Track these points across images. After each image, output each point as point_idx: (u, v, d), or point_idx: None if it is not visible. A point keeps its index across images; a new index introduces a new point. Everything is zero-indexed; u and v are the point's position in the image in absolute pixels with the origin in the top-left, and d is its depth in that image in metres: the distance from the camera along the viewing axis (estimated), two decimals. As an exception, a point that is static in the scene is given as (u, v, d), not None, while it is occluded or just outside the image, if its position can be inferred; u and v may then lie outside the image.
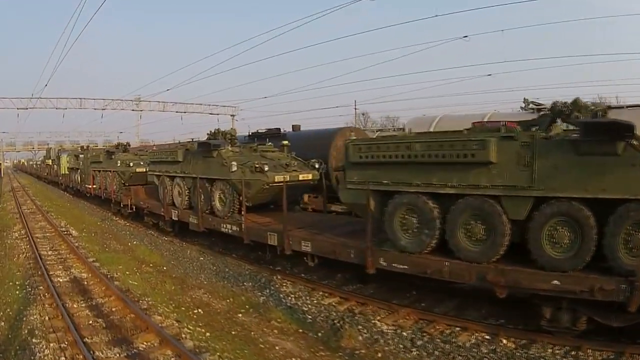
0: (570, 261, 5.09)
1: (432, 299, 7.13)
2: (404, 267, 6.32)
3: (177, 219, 11.76)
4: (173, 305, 7.14)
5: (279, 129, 13.82)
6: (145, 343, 5.60)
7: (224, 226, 9.63)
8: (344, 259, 7.07)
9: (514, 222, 5.52)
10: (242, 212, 9.08)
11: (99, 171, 19.34)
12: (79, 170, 23.53)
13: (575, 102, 5.91)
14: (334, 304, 7.23)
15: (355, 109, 40.26)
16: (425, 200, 6.10)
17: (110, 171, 17.85)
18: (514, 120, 6.46)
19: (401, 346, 5.70)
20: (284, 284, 8.24)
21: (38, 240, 12.51)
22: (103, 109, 39.94)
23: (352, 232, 7.84)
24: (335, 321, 6.52)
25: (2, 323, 6.42)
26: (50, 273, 8.88)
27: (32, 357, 5.23)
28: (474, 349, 5.50)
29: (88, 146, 28.29)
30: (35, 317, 6.52)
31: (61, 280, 8.57)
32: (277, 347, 5.64)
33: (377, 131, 17.08)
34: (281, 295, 7.67)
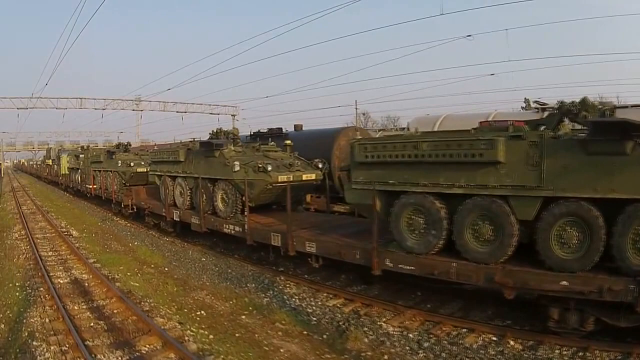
0: (578, 262, 5.05)
1: (437, 300, 7.07)
2: (410, 268, 6.24)
3: (178, 219, 11.67)
4: (175, 307, 7.05)
5: (281, 128, 13.73)
6: (147, 346, 5.52)
7: (227, 227, 9.53)
8: (349, 260, 6.98)
9: (522, 223, 5.46)
10: (245, 213, 8.98)
11: (100, 171, 19.26)
12: (79, 170, 23.45)
13: (584, 101, 5.86)
14: (338, 305, 7.14)
15: (356, 108, 40.18)
16: (433, 200, 6.03)
17: (111, 171, 17.78)
18: (521, 120, 6.43)
19: (408, 348, 5.64)
20: (288, 285, 8.15)
21: (38, 240, 12.42)
22: (103, 109, 39.88)
23: (356, 233, 7.75)
24: (340, 323, 6.44)
25: (2, 325, 6.33)
26: (51, 274, 8.79)
27: (33, 361, 5.15)
28: (481, 351, 5.44)
29: (88, 146, 28.13)
30: (35, 319, 6.44)
31: (62, 281, 8.48)
32: (282, 350, 5.56)
33: (379, 131, 16.99)
34: (285, 297, 7.58)
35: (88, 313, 6.74)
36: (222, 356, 5.26)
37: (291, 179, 8.97)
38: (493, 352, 5.38)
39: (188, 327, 6.14)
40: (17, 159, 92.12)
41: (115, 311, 6.76)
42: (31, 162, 69.89)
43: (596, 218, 4.90)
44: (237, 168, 9.13)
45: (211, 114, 44.21)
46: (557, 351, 5.24)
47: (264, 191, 9.16)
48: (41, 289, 7.90)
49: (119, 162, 17.20)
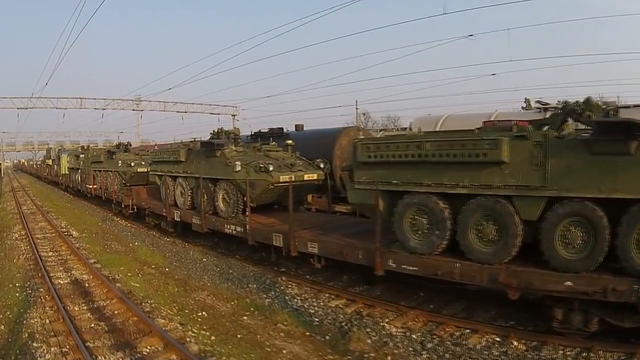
0: (583, 262, 5.04)
1: (440, 300, 7.04)
2: (413, 268, 6.21)
3: (179, 219, 11.62)
4: (176, 307, 7.00)
5: (282, 128, 13.68)
6: (149, 347, 5.47)
7: (228, 227, 9.48)
8: (352, 260, 6.94)
9: (526, 223, 5.44)
10: (247, 213, 8.93)
11: (100, 171, 19.22)
12: (79, 170, 23.41)
13: (588, 101, 5.86)
14: (341, 306, 7.10)
15: (357, 108, 40.14)
16: (436, 200, 6.00)
17: (111, 171, 17.75)
18: (525, 120, 6.40)
19: (411, 349, 5.61)
20: (289, 286, 8.10)
21: (38, 241, 12.37)
22: (103, 109, 39.86)
23: (358, 233, 7.71)
24: (342, 324, 6.40)
25: (2, 326, 6.28)
26: (51, 275, 8.75)
27: (33, 362, 5.11)
28: (484, 352, 5.42)
29: (89, 146, 28.10)
30: (35, 320, 6.39)
31: (62, 282, 8.43)
32: (284, 351, 5.52)
33: (380, 131, 16.94)
34: (287, 298, 7.53)
35: (89, 314, 6.69)
36: (224, 358, 5.22)
37: (293, 179, 8.92)
38: (497, 353, 5.36)
39: (189, 328, 6.09)
40: (17, 159, 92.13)
41: (116, 312, 6.72)
42: (31, 162, 69.82)
43: (600, 218, 4.89)
44: (238, 168, 9.08)
45: (211, 113, 44.21)
46: (560, 352, 5.22)
47: (266, 191, 9.11)
48: (41, 289, 7.86)
49: (120, 162, 17.17)
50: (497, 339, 5.66)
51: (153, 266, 9.74)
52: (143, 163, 16.49)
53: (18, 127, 77.84)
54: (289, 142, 10.79)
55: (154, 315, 6.51)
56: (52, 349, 5.41)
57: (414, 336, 5.91)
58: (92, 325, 6.24)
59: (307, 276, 8.59)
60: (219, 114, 44.41)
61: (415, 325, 6.20)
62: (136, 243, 12.41)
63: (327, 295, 7.56)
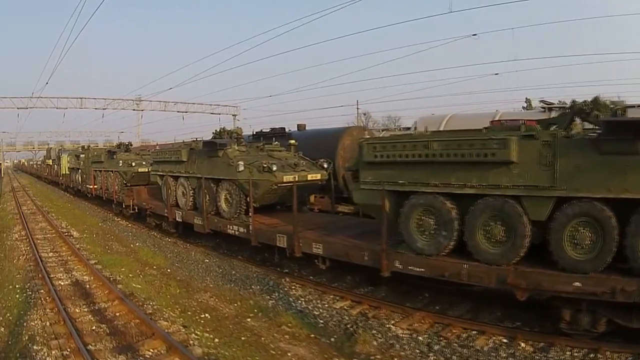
0: (591, 262, 5.01)
1: (445, 301, 6.97)
2: (420, 269, 6.13)
3: (181, 220, 11.53)
4: (179, 309, 6.91)
5: (284, 128, 13.59)
6: (151, 350, 5.38)
7: (231, 228, 9.39)
8: (357, 261, 6.86)
9: (534, 223, 5.39)
10: (250, 213, 8.83)
11: (101, 171, 19.14)
12: (79, 170, 23.33)
13: (596, 101, 5.82)
14: (345, 307, 7.02)
15: (357, 108, 40.04)
16: (443, 200, 5.93)
17: (111, 171, 17.67)
18: (533, 119, 6.35)
19: (418, 351, 5.55)
20: (293, 287, 8.01)
21: (38, 241, 12.28)
22: (104, 109, 39.85)
23: (363, 234, 7.63)
24: (348, 325, 6.33)
25: (2, 329, 6.18)
26: (51, 276, 8.65)
27: (34, 366, 5.02)
28: (492, 353, 5.38)
29: (89, 146, 28.00)
30: (36, 322, 6.30)
31: (62, 283, 8.34)
32: (289, 354, 5.44)
33: (382, 131, 16.85)
34: (291, 299, 7.44)
35: (90, 316, 6.59)
36: (228, 361, 5.14)
37: (296, 179, 8.83)
38: (504, 355, 5.32)
39: (192, 330, 6.00)
40: (17, 159, 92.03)
41: (117, 314, 6.62)
42: (31, 162, 69.71)
43: (609, 218, 4.86)
44: (241, 168, 8.98)
45: (212, 113, 44.17)
46: (568, 353, 5.20)
47: (269, 191, 9.02)
48: (42, 291, 7.77)
49: (120, 162, 17.09)
50: (505, 341, 5.62)
51: (154, 267, 9.65)
52: (144, 163, 16.41)
53: (18, 127, 77.77)
54: (292, 141, 10.70)
55: (156, 317, 6.42)
56: (53, 352, 5.32)
57: (420, 338, 5.86)
58: (94, 327, 6.15)
59: (311, 277, 8.51)
60: (219, 114, 44.42)
61: (422, 327, 6.14)
62: (137, 244, 12.32)
63: (331, 296, 7.48)
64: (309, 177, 9.37)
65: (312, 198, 11.40)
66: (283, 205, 10.29)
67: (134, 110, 43.34)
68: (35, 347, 5.44)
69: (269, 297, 7.59)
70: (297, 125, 13.97)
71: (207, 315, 6.68)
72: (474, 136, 5.72)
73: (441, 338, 5.81)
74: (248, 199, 8.99)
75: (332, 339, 5.89)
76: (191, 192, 11.05)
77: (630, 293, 4.68)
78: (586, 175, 4.94)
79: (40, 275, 8.67)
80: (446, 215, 5.90)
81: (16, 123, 55.59)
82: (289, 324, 6.31)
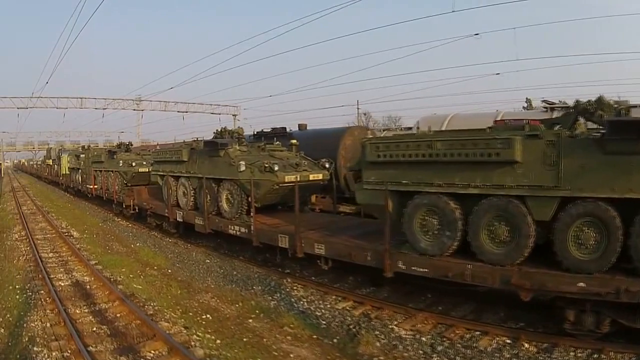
0: (595, 263, 5.00)
1: (448, 302, 6.94)
2: (424, 270, 6.09)
3: (182, 220, 11.47)
4: (180, 310, 6.86)
5: (285, 128, 13.53)
6: (152, 352, 5.33)
7: (232, 228, 9.34)
8: (360, 262, 6.81)
9: (539, 223, 5.36)
10: (251, 214, 8.78)
11: (101, 171, 19.09)
12: (80, 170, 23.28)
13: (600, 100, 5.80)
14: (348, 308, 6.97)
15: (358, 108, 39.96)
16: (447, 200, 5.90)
17: (112, 171, 17.63)
18: (536, 119, 6.33)
19: (421, 352, 5.52)
20: (295, 288, 7.96)
21: (38, 242, 12.23)
22: (104, 109, 39.78)
23: (365, 234, 7.58)
24: (350, 326, 6.29)
25: (2, 330, 6.14)
26: (52, 276, 8.60)
27: (34, 367, 4.97)
28: (496, 354, 5.36)
29: (89, 146, 27.94)
30: (36, 323, 6.25)
31: (63, 284, 8.29)
32: (291, 355, 5.41)
33: (383, 130, 16.80)
34: (292, 300, 7.40)
35: (90, 317, 6.54)
36: (230, 362, 5.09)
37: (298, 179, 8.77)
38: (508, 355, 5.30)
39: (194, 331, 5.95)
40: (17, 159, 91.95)
41: (118, 315, 6.57)
42: (31, 162, 69.63)
43: (613, 218, 4.85)
44: (242, 168, 8.93)
45: (212, 113, 44.11)
46: (572, 353, 5.19)
47: (270, 191, 8.96)
48: (42, 291, 7.71)
49: (121, 162, 17.04)
50: (508, 341, 5.60)
51: (155, 267, 9.61)
52: (144, 163, 16.36)
53: (18, 127, 77.67)
54: (294, 141, 10.64)
55: (157, 318, 6.37)
56: (54, 354, 5.27)
57: (423, 339, 5.83)
58: (94, 328, 6.10)
59: (313, 278, 8.46)
60: (219, 114, 44.35)
61: (425, 328, 6.11)
62: (138, 244, 12.28)
63: (333, 297, 7.43)
64: (311, 177, 9.32)
65: (313, 198, 11.34)
66: (284, 205, 10.24)
67: (134, 110, 43.31)
68: (35, 348, 5.39)
69: (270, 297, 7.54)
70: (298, 125, 13.92)
71: (208, 316, 6.64)
72: (478, 136, 5.68)
73: (444, 339, 5.78)
74: (249, 199, 8.93)
75: (335, 340, 5.85)
76: (192, 192, 11.00)
77: (634, 293, 4.67)
78: (590, 175, 4.92)
79: (40, 276, 8.62)
80: (450, 215, 5.87)
81: (16, 123, 55.61)
82: (291, 325, 6.27)
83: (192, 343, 5.54)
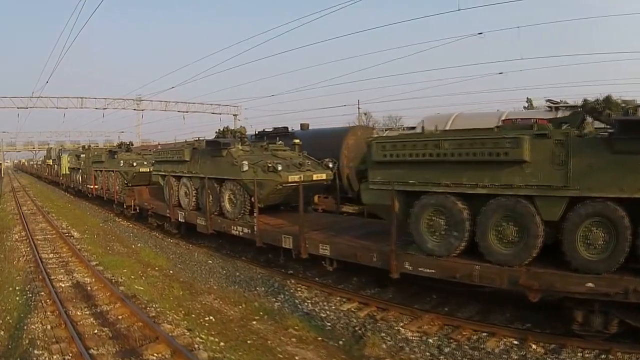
0: (604, 263, 4.95)
1: (454, 303, 6.88)
2: (431, 271, 6.00)
3: (183, 220, 11.38)
4: (183, 312, 6.77)
5: (287, 127, 13.44)
6: (155, 354, 5.24)
7: (235, 228, 9.24)
8: (365, 263, 6.72)
9: (547, 224, 5.30)
10: (255, 214, 8.68)
11: (101, 171, 19.01)
12: (80, 171, 23.20)
13: (608, 99, 5.76)
14: (353, 309, 6.89)
15: (359, 108, 39.84)
16: (455, 200, 5.82)
17: (112, 171, 17.54)
18: (544, 118, 6.27)
19: (428, 354, 5.46)
20: (299, 289, 7.87)
21: (39, 242, 12.14)
22: (104, 109, 39.71)
23: (369, 234, 7.49)
24: (356, 328, 6.21)
25: (2, 332, 6.05)
26: (52, 277, 8.52)
27: (35, 370, 4.89)
28: (504, 355, 5.31)
29: (89, 146, 27.84)
30: (36, 325, 6.16)
31: (63, 285, 8.20)
32: (297, 357, 5.35)
33: (385, 130, 16.73)
34: (297, 301, 7.31)
35: (91, 319, 6.45)
36: (234, 365, 5.01)
37: (302, 179, 8.67)
38: (516, 357, 5.26)
39: (197, 333, 5.86)
40: (18, 159, 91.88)
41: (120, 317, 6.48)
42: (31, 162, 69.56)
43: (622, 218, 4.80)
44: (245, 168, 8.83)
45: (213, 113, 44.04)
46: (579, 354, 5.15)
47: (274, 192, 8.87)
48: (42, 293, 7.63)
49: (121, 161, 16.97)
50: (515, 342, 5.55)
51: (157, 268, 9.52)
52: (145, 163, 16.29)
53: (18, 127, 77.49)
54: (297, 141, 10.54)
55: (160, 321, 6.28)
56: (54, 357, 5.20)
57: (430, 340, 5.76)
58: (96, 331, 6.01)
59: (317, 279, 8.38)
60: (220, 114, 44.27)
61: (431, 329, 6.04)
62: (139, 244, 12.19)
63: (338, 298, 7.35)
64: (315, 177, 9.22)
65: (315, 198, 11.25)
66: (287, 205, 10.15)
67: (134, 110, 43.23)
68: (36, 351, 5.31)
69: (274, 299, 7.45)
70: (300, 124, 13.84)
71: (211, 317, 6.55)
72: (486, 135, 5.60)
73: (451, 340, 5.72)
74: (252, 199, 8.84)
75: (340, 342, 5.78)
76: (194, 192, 10.90)
77: (642, 293, 4.60)
78: (599, 174, 4.87)
79: (40, 277, 8.54)
80: (457, 215, 5.79)
81: (16, 123, 55.44)
82: (296, 327, 6.18)
83: (196, 345, 5.45)
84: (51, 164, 36.97)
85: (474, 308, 6.64)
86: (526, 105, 14.28)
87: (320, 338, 5.88)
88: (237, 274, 8.97)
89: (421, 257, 6.12)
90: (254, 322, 6.39)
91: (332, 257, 7.25)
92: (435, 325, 6.14)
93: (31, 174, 60.70)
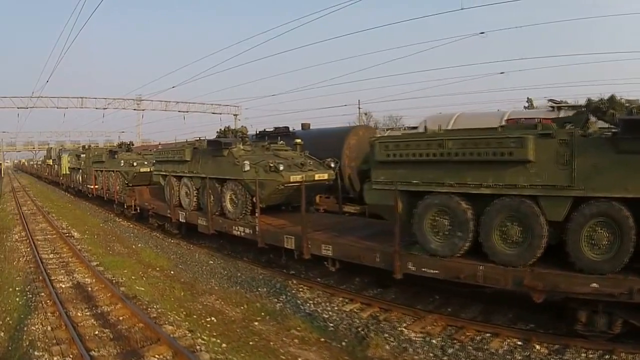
0: (608, 263, 4.93)
1: (456, 303, 6.85)
2: (434, 271, 5.96)
3: (184, 221, 11.33)
4: (184, 313, 6.72)
5: (287, 127, 13.38)
6: (157, 356, 5.18)
7: (236, 229, 9.18)
8: (368, 263, 6.67)
9: (551, 224, 5.27)
10: (256, 214, 8.63)
11: (102, 171, 18.96)
12: (80, 170, 23.15)
13: (612, 99, 5.73)
14: (355, 310, 6.84)
15: (359, 108, 39.79)
16: (459, 201, 5.77)
17: (113, 171, 17.49)
18: (548, 118, 6.24)
19: (432, 355, 5.42)
20: (301, 289, 7.82)
21: (39, 242, 12.09)
22: (104, 109, 39.65)
23: (372, 235, 7.45)
24: (359, 329, 6.16)
25: (2, 333, 6.00)
26: (52, 278, 8.46)
27: (35, 373, 4.84)
28: (507, 356, 5.30)
29: (89, 146, 27.78)
30: (36, 326, 6.10)
31: (64, 286, 8.14)
32: (299, 359, 5.30)
33: (387, 130, 16.67)
34: (299, 302, 7.26)
35: (92, 320, 6.40)
36: (237, 367, 4.96)
37: (304, 179, 8.62)
38: (520, 357, 5.24)
39: (199, 335, 5.81)
40: (18, 159, 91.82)
41: (120, 318, 6.43)
42: (31, 162, 69.49)
43: (627, 218, 4.78)
44: (247, 168, 8.77)
45: (213, 113, 43.97)
46: (583, 354, 5.10)
47: (276, 192, 8.81)
48: (42, 294, 7.57)
49: (122, 161, 16.91)
50: (519, 343, 5.53)
51: (158, 269, 9.47)
52: (146, 163, 16.24)
53: (18, 126, 77.39)
54: (298, 140, 10.48)
55: (161, 322, 6.22)
56: (55, 358, 5.14)
57: (434, 341, 5.73)
58: (96, 332, 5.95)
59: (318, 279, 8.32)
60: (220, 114, 44.22)
61: (435, 330, 6.00)
62: (139, 245, 12.14)
63: (340, 299, 7.29)
64: (317, 177, 9.17)
65: (317, 198, 11.20)
66: (288, 205, 10.10)
67: (134, 110, 43.17)
68: (36, 353, 5.25)
69: (276, 299, 7.40)
70: (302, 124, 13.78)
71: (213, 318, 6.50)
72: (491, 135, 5.57)
73: (455, 341, 5.69)
74: (254, 199, 8.78)
75: (344, 343, 5.73)
76: (195, 192, 10.85)
77: (647, 294, 4.59)
78: (604, 174, 4.85)
79: (40, 278, 8.48)
80: (461, 215, 5.74)
81: (16, 123, 55.27)
82: (298, 328, 6.14)
83: (198, 347, 5.40)
84: (51, 164, 36.91)
85: (477, 308, 6.62)
86: (526, 105, 14.22)
87: (323, 339, 5.84)
88: (239, 274, 8.92)
89: (425, 258, 6.08)
90: (256, 323, 6.34)
91: (335, 257, 7.20)
92: (439, 325, 6.10)
93: (31, 174, 60.63)
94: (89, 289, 7.95)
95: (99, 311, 6.77)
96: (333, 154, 10.67)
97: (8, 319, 6.47)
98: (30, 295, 7.52)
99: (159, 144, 23.54)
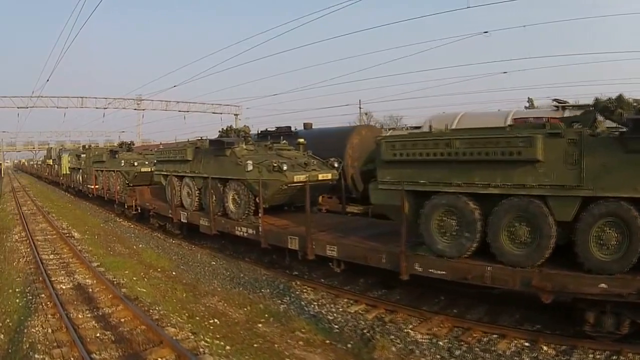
0: (617, 263, 4.89)
1: (462, 304, 6.78)
2: (441, 272, 5.88)
3: (186, 221, 11.24)
4: (186, 314, 6.63)
5: (289, 127, 13.28)
6: (159, 359, 5.10)
7: (239, 229, 9.09)
8: (374, 264, 6.59)
9: (560, 224, 5.21)
10: (260, 214, 8.53)
11: (102, 171, 18.87)
12: (80, 170, 23.07)
13: (620, 98, 5.69)
14: (361, 311, 6.76)
15: (360, 107, 39.67)
16: (466, 201, 5.70)
17: (113, 171, 17.42)
18: (556, 117, 6.19)
19: (438, 357, 5.35)
20: (305, 291, 7.73)
21: (39, 243, 12.00)
22: (104, 108, 39.57)
23: (377, 235, 7.36)
24: (364, 331, 6.08)
25: (2, 335, 5.90)
26: (53, 279, 8.37)
27: (36, 376, 4.75)
28: (515, 357, 5.24)
29: (90, 145, 27.69)
30: (37, 329, 6.02)
31: (64, 287, 8.05)
32: (304, 361, 5.19)
33: (389, 130, 16.59)
34: (303, 303, 7.17)
35: (93, 322, 6.31)
36: (241, 370, 4.88)
37: (307, 179, 8.52)
38: (527, 359, 5.18)
39: (202, 337, 5.72)
40: (18, 159, 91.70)
41: (122, 320, 6.34)
42: (32, 162, 69.37)
43: (635, 218, 4.74)
44: (250, 167, 8.67)
45: (214, 113, 43.88)
46: (590, 355, 5.06)
47: (279, 192, 8.71)
48: (42, 295, 7.48)
49: (122, 161, 16.84)
50: (526, 344, 5.48)
51: (159, 270, 9.38)
52: (146, 163, 16.17)
53: (18, 126, 77.24)
54: (301, 140, 10.38)
55: (164, 324, 6.13)
56: (56, 361, 5.05)
57: (440, 343, 5.66)
58: (98, 334, 5.86)
59: (322, 280, 8.24)
60: (221, 114, 44.14)
61: (441, 331, 5.93)
62: (140, 245, 12.05)
63: (345, 300, 7.21)
64: (320, 177, 9.07)
65: (320, 198, 11.11)
66: (291, 205, 10.01)
67: (135, 109, 43.09)
68: (36, 355, 5.18)
69: (279, 301, 7.31)
70: (304, 124, 13.67)
71: (216, 320, 6.41)
72: (499, 134, 5.49)
73: (462, 342, 5.62)
74: (257, 199, 8.69)
75: (349, 345, 5.65)
76: (197, 192, 10.75)
77: (656, 294, 4.54)
78: (613, 174, 4.81)
79: (40, 279, 8.39)
80: (469, 216, 5.67)
81: (16, 123, 55.14)
82: (303, 330, 6.06)
83: (201, 349, 5.32)
84: (51, 163, 36.79)
85: (483, 309, 6.56)
86: (527, 105, 14.15)
87: (328, 341, 5.76)
88: (241, 275, 8.82)
89: (431, 259, 6.01)
90: (260, 325, 6.26)
91: (340, 258, 7.11)
92: (445, 327, 6.03)
93: (31, 174, 60.53)
94: (90, 290, 7.87)
95: (100, 313, 6.68)
96: (336, 153, 10.58)
97: (8, 320, 6.38)
98: (31, 297, 7.43)
99: (160, 144, 23.47)
